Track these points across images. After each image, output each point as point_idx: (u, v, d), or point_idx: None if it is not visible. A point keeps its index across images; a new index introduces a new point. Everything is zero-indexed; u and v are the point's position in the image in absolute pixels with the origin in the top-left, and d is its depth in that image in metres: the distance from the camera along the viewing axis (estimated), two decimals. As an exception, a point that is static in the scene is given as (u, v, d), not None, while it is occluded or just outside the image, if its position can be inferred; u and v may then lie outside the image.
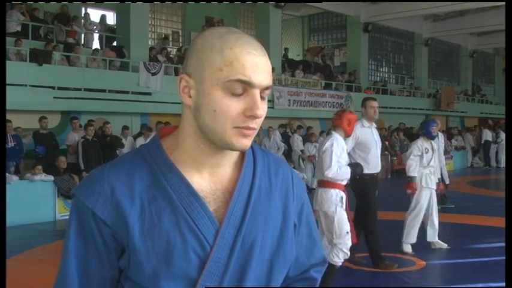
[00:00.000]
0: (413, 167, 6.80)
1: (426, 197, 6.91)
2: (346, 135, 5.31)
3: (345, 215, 5.09)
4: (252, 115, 1.07)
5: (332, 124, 5.44)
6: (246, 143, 1.11)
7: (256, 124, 1.10)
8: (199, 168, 1.16)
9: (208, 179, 1.17)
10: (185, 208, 1.12)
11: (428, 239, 7.03)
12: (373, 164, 5.96)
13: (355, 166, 5.35)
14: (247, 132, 1.09)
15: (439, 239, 7.11)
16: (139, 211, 1.11)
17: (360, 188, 5.93)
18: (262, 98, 1.10)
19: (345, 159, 5.23)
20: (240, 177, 1.18)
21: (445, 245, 7.05)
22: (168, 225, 1.10)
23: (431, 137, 7.06)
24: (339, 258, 5.06)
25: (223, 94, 1.07)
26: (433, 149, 7.00)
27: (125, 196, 1.11)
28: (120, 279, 1.17)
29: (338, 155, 5.08)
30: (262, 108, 1.09)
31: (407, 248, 6.82)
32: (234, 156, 1.20)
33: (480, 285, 5.59)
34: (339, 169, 5.03)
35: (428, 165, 6.93)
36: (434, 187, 7.00)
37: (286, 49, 21.19)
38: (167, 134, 1.22)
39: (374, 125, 6.13)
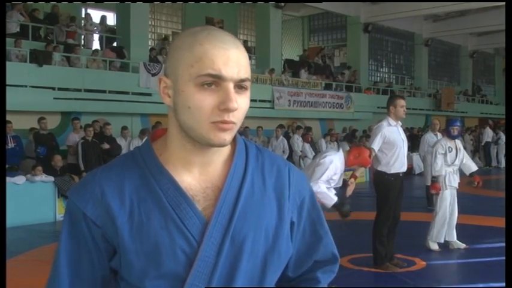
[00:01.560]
0: (439, 166, 6.85)
1: (449, 196, 6.97)
2: (346, 164, 5.23)
3: None
4: (225, 108, 1.07)
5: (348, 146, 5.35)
6: (225, 137, 1.10)
7: (235, 117, 1.10)
8: (189, 168, 1.17)
9: (198, 178, 1.18)
10: (174, 209, 1.13)
11: (447, 238, 7.07)
12: (400, 163, 5.97)
13: (341, 205, 5.16)
14: (224, 126, 1.09)
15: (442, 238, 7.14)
16: (128, 212, 1.13)
17: (384, 187, 5.94)
18: (241, 90, 1.11)
19: (335, 182, 5.15)
20: (228, 174, 1.18)
21: (463, 245, 7.06)
22: (157, 225, 1.12)
23: (450, 136, 7.10)
24: None
25: (196, 90, 1.08)
26: (457, 148, 7.07)
27: (114, 198, 1.13)
28: (117, 280, 1.19)
29: (331, 174, 5.03)
30: (237, 101, 1.09)
31: (435, 246, 6.91)
32: (224, 153, 1.20)
33: (480, 285, 5.59)
34: (326, 189, 4.94)
35: (453, 163, 7.00)
36: (457, 186, 7.09)
37: (305, 50, 21.11)
38: (159, 137, 1.24)
39: (399, 123, 6.12)
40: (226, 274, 1.14)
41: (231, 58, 1.08)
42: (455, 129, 7.12)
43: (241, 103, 1.10)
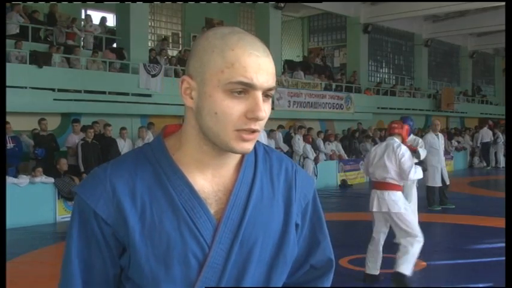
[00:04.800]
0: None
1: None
2: (403, 143, 5.54)
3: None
4: (253, 117, 1.06)
5: (390, 131, 5.66)
6: (248, 146, 1.10)
7: (259, 126, 1.09)
8: (202, 169, 1.15)
9: (211, 180, 1.16)
10: (187, 211, 1.11)
11: None
12: None
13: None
14: (248, 137, 1.08)
15: (439, 239, 7.17)
16: (140, 212, 1.11)
17: None
18: (266, 98, 1.09)
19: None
20: (237, 179, 1.17)
21: None
22: (169, 227, 1.10)
23: None
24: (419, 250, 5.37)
25: (224, 96, 1.06)
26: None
27: (126, 196, 1.11)
28: (121, 279, 1.17)
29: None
30: (265, 110, 1.08)
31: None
32: (237, 157, 1.18)
33: (481, 285, 5.59)
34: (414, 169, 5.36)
35: None
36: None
37: (309, 53, 20.89)
38: (171, 133, 1.21)
39: None
40: (234, 280, 1.13)
41: (262, 66, 1.06)
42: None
43: (266, 111, 1.09)
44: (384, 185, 5.33)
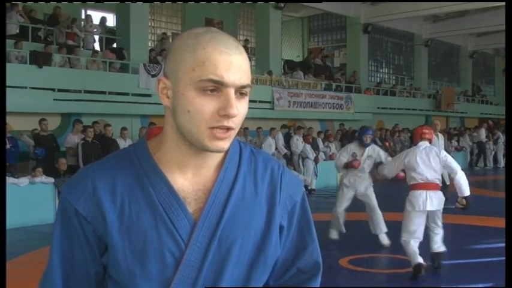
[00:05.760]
0: (341, 161, 7.41)
1: (347, 194, 7.50)
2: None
3: None
4: (225, 114, 1.06)
5: (422, 136, 6.02)
6: (222, 145, 1.09)
7: (233, 123, 1.08)
8: (183, 169, 1.16)
9: (191, 179, 1.16)
10: (165, 209, 1.12)
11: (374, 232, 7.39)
12: None
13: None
14: (222, 135, 1.08)
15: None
16: (118, 210, 1.12)
17: None
18: (241, 96, 1.09)
19: None
20: (217, 178, 1.17)
21: (386, 242, 7.28)
22: (146, 224, 1.12)
23: (363, 144, 7.40)
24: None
25: (196, 94, 1.06)
26: (363, 156, 7.37)
27: (105, 194, 1.13)
28: (104, 277, 1.18)
29: None
30: (237, 108, 1.07)
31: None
32: (218, 156, 1.18)
33: (480, 285, 5.59)
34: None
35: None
36: (362, 190, 7.42)
37: (309, 53, 20.77)
38: (155, 135, 1.22)
39: None
40: (211, 279, 1.13)
41: (234, 64, 1.06)
42: (368, 138, 7.29)
43: (240, 108, 1.09)
44: (436, 186, 5.79)
